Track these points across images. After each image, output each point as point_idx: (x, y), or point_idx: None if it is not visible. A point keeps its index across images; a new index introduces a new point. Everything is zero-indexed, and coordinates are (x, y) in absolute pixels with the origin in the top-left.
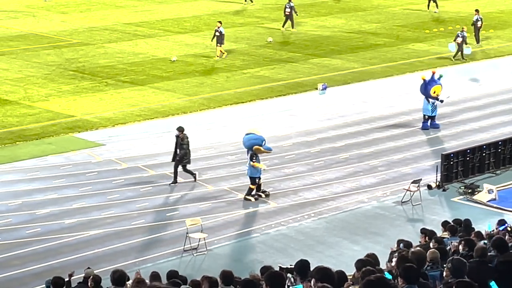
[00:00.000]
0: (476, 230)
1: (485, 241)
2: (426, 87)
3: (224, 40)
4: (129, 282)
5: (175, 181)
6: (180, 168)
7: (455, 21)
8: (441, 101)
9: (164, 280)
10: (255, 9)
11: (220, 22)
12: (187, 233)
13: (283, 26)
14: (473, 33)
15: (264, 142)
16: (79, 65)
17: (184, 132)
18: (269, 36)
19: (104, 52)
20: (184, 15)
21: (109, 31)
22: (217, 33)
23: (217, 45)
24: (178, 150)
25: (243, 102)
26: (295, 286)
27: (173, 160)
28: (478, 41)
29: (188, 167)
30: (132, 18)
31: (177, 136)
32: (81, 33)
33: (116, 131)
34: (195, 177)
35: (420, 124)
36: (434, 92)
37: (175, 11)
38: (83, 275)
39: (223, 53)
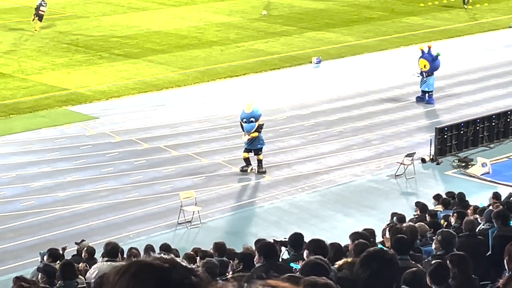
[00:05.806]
0: (470, 203)
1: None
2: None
3: (35, 14)
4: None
5: None
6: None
7: None
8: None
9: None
10: None
11: None
12: (181, 206)
13: None
14: None
15: (244, 119)
16: (73, 38)
17: None
18: (264, 9)
19: (98, 25)
20: None
21: (103, 4)
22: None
23: (35, 19)
24: None
25: (237, 76)
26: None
27: None
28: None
29: None
30: None
31: None
32: (75, 5)
33: (110, 104)
34: None
35: (415, 98)
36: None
37: None
38: (76, 247)
39: (36, 30)
